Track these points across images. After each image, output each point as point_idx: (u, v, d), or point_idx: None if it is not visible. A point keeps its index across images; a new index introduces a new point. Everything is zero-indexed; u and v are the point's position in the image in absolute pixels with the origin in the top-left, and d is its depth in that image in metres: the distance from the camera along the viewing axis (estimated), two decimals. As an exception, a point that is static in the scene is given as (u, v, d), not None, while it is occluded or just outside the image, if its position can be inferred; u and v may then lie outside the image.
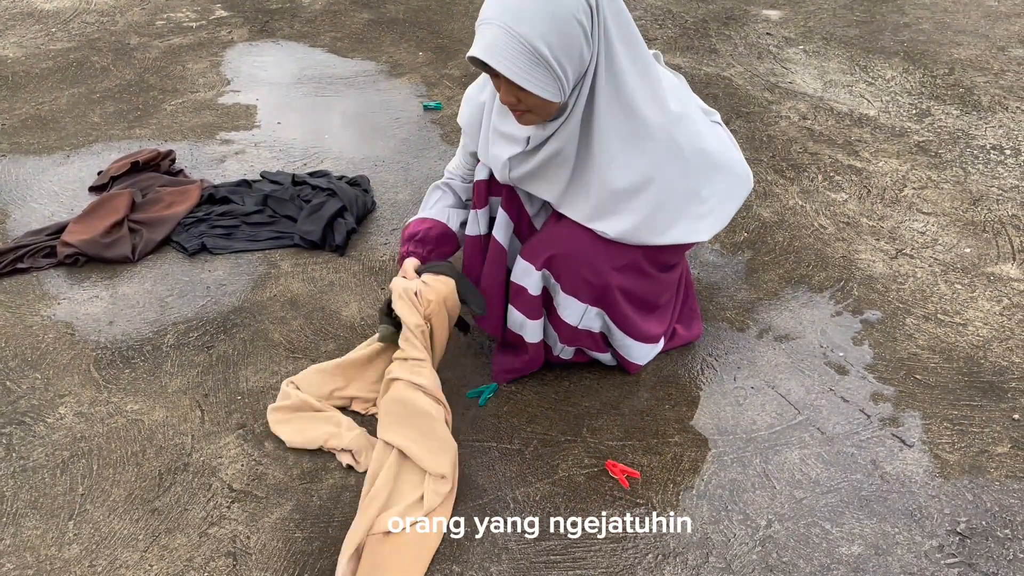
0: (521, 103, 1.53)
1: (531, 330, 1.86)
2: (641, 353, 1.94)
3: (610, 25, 1.51)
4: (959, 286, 2.29)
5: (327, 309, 2.21)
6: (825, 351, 2.07)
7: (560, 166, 1.67)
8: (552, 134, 1.62)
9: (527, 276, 1.79)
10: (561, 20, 1.43)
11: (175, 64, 3.61)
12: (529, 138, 1.65)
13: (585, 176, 1.67)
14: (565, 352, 1.95)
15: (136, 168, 2.73)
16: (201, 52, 3.72)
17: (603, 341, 1.91)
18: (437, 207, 1.96)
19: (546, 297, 1.84)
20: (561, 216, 1.78)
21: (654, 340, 1.94)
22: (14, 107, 3.24)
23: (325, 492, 1.72)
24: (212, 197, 2.63)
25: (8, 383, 1.98)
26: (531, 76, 1.45)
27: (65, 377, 2.00)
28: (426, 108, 3.25)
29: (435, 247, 1.90)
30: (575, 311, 1.80)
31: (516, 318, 1.86)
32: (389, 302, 1.82)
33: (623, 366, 1.97)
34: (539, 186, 1.74)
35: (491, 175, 1.83)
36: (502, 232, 1.83)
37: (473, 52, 1.48)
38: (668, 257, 1.83)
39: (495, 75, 1.52)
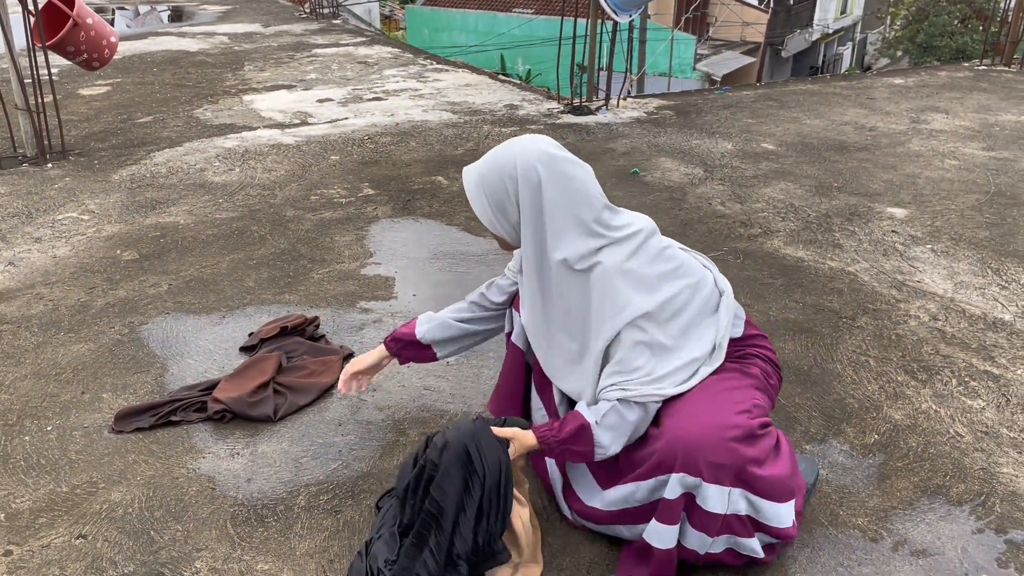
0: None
1: (662, 535, 1.81)
2: (788, 512, 1.83)
3: (525, 198, 1.84)
4: (1116, 511, 2.14)
5: (450, 482, 2.26)
6: (967, 572, 1.95)
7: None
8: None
9: (667, 487, 1.78)
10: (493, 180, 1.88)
11: (325, 236, 3.94)
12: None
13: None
14: (716, 545, 1.83)
15: (284, 332, 2.95)
16: (348, 226, 4.06)
17: (751, 524, 1.82)
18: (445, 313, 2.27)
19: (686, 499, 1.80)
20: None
21: (800, 489, 1.92)
22: (181, 269, 3.59)
23: (440, 676, 1.71)
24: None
25: (152, 533, 2.09)
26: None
27: (204, 531, 2.10)
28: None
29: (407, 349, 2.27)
30: (721, 499, 1.75)
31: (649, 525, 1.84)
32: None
33: (779, 536, 1.85)
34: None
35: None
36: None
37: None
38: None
39: None
